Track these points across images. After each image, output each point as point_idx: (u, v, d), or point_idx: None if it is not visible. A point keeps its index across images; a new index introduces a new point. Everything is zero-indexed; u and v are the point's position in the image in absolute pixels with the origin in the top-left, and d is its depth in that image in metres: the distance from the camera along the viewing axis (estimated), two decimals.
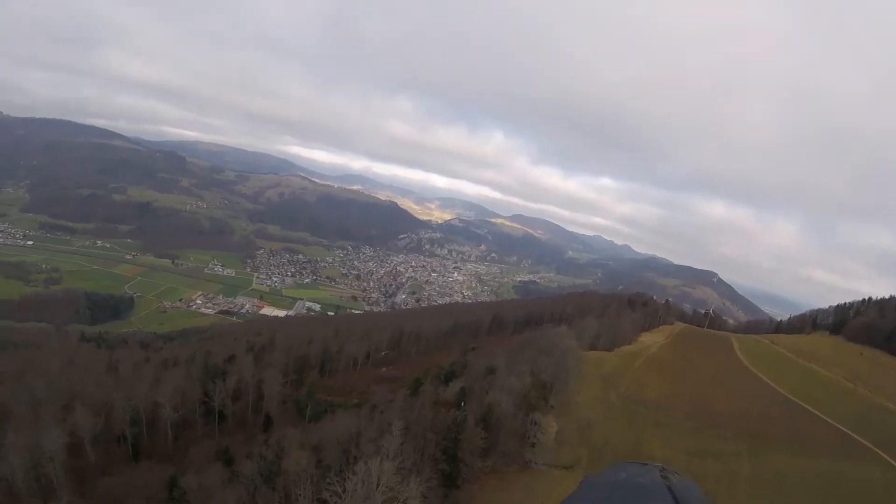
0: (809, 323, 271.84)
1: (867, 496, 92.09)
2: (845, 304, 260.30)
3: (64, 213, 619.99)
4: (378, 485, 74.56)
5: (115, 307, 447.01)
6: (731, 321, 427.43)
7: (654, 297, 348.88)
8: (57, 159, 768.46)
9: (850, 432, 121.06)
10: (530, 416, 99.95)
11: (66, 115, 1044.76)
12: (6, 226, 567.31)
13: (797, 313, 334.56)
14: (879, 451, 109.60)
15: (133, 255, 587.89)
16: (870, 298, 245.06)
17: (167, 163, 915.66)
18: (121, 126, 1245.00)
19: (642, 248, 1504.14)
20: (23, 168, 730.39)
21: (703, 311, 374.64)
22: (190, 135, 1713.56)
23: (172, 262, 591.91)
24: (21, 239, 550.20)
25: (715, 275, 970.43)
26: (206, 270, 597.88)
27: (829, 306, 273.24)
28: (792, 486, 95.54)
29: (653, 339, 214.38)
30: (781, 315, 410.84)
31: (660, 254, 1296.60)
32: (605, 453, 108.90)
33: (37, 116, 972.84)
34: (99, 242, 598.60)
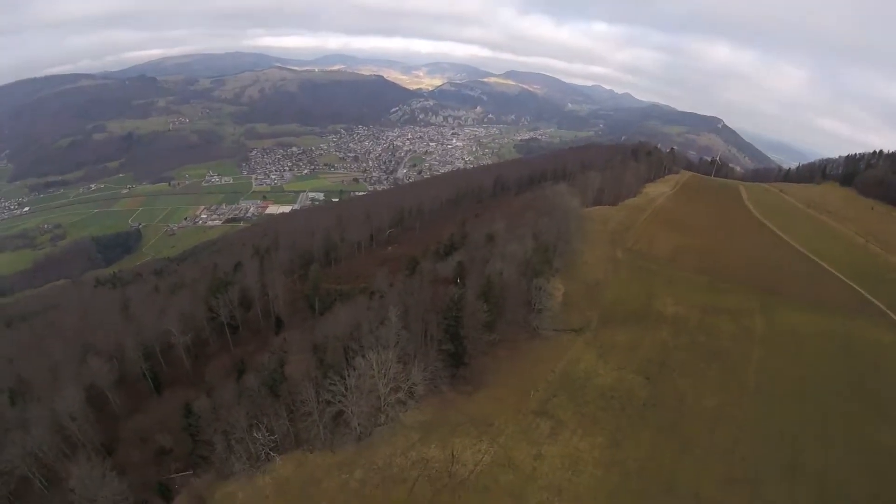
0: (819, 173, 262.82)
1: (879, 358, 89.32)
2: (856, 155, 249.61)
3: (51, 170, 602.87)
4: (379, 377, 70.87)
5: (125, 243, 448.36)
6: (738, 169, 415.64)
7: (659, 146, 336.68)
8: (29, 120, 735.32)
9: (863, 291, 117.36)
10: (534, 281, 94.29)
11: (25, 74, 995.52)
12: None
13: (804, 162, 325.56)
14: (892, 314, 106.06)
15: (129, 189, 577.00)
16: (881, 151, 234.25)
17: (139, 88, 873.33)
18: (84, 66, 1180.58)
19: (644, 96, 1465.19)
20: None
21: (709, 159, 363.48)
22: (155, 53, 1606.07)
23: (169, 185, 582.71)
24: (17, 207, 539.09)
25: (720, 121, 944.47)
26: (203, 184, 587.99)
27: (839, 156, 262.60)
28: (805, 344, 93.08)
29: (659, 190, 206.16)
30: (788, 163, 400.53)
31: (662, 101, 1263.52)
32: (615, 312, 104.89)
33: None
34: (93, 186, 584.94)
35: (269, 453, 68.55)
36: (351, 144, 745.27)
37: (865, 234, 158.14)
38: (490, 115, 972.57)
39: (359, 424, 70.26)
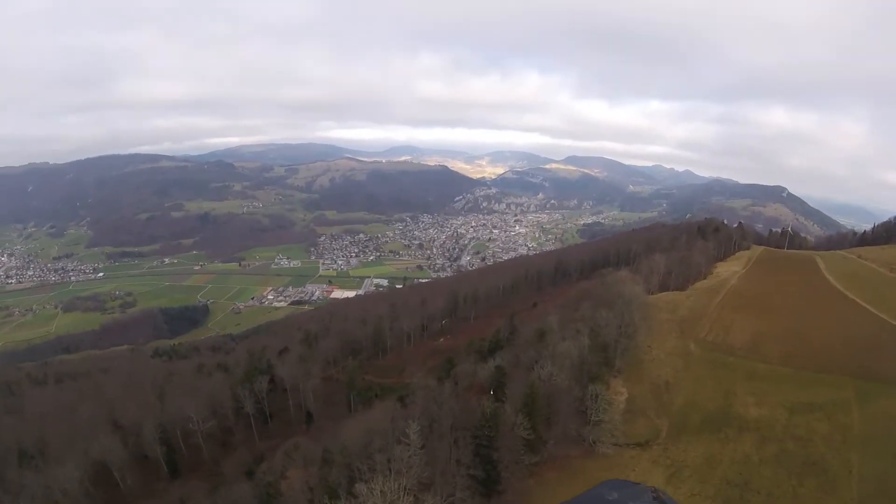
0: None
1: None
2: None
3: (128, 241, 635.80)
4: None
5: (192, 317, 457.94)
6: (809, 238, 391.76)
7: (725, 222, 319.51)
8: (111, 192, 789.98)
9: None
10: (590, 388, 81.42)
11: (111, 150, 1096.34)
12: (75, 263, 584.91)
13: (877, 222, 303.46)
14: None
15: (201, 265, 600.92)
16: None
17: (217, 172, 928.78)
18: (166, 148, 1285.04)
19: (705, 171, 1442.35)
20: (80, 207, 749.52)
21: (779, 231, 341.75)
22: (233, 140, 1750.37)
23: (239, 265, 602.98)
24: (91, 273, 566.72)
25: (784, 189, 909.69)
26: (272, 266, 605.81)
27: None
28: None
29: (730, 269, 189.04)
30: (860, 225, 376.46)
31: (724, 175, 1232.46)
32: (688, 420, 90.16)
33: (83, 158, 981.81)
34: (167, 260, 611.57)
35: None
36: (416, 232, 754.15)
37: None
38: (552, 201, 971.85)
39: None
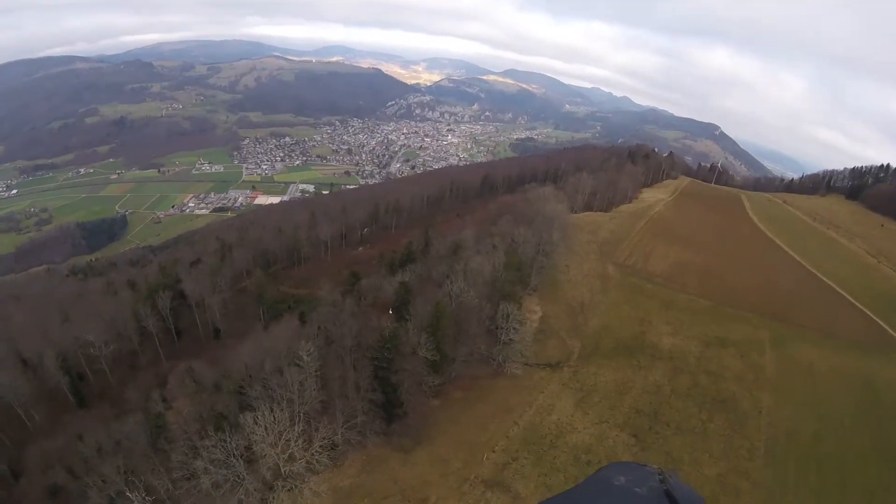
0: (823, 184, 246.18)
1: None
2: (862, 168, 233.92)
3: (41, 153, 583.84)
4: (268, 439, 53.82)
5: (110, 230, 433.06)
6: (736, 178, 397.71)
7: (656, 150, 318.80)
8: (22, 102, 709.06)
9: (879, 321, 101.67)
10: (501, 306, 75.83)
11: (22, 55, 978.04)
12: None
13: (802, 174, 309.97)
14: None
15: (118, 174, 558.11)
16: (889, 165, 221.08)
17: (134, 72, 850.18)
18: (80, 49, 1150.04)
19: (642, 100, 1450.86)
20: None
21: (708, 166, 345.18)
22: (152, 38, 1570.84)
23: (159, 171, 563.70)
24: (4, 190, 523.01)
25: (717, 128, 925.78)
26: (193, 172, 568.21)
27: (845, 168, 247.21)
28: (820, 389, 77.08)
29: (656, 196, 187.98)
30: (786, 174, 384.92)
31: (661, 106, 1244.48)
32: (602, 343, 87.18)
33: None
34: (82, 171, 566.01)
35: None
36: (345, 137, 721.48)
37: (877, 254, 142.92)
38: (487, 113, 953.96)
39: (245, 496, 54.92)
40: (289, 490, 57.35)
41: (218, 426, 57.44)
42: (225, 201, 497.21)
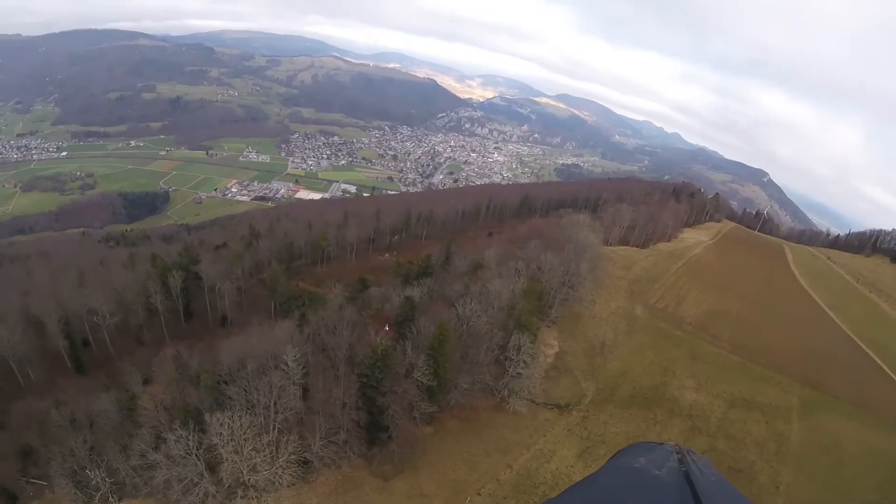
0: (869, 244, 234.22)
1: None
2: None
3: (95, 120, 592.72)
4: (228, 445, 49.40)
5: (151, 203, 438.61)
6: (781, 228, 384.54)
7: (702, 190, 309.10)
8: (83, 69, 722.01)
9: None
10: (514, 337, 70.00)
11: (87, 24, 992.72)
12: (39, 142, 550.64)
13: (848, 230, 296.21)
14: None
15: (167, 151, 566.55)
16: None
17: (195, 55, 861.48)
18: (145, 26, 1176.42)
19: (693, 138, 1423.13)
20: (50, 83, 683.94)
21: (753, 212, 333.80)
22: (216, 24, 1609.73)
23: (206, 154, 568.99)
24: (55, 151, 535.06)
25: (766, 175, 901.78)
26: (240, 158, 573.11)
27: (893, 229, 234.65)
28: (846, 466, 68.90)
29: (697, 238, 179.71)
30: (830, 228, 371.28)
31: (711, 146, 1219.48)
32: (618, 389, 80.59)
33: (56, 31, 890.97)
34: (132, 143, 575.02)
35: (107, 497, 56.28)
36: (393, 143, 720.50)
37: None
38: (536, 135, 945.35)
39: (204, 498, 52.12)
40: (247, 500, 53.15)
41: (184, 421, 53.44)
42: (267, 191, 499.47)
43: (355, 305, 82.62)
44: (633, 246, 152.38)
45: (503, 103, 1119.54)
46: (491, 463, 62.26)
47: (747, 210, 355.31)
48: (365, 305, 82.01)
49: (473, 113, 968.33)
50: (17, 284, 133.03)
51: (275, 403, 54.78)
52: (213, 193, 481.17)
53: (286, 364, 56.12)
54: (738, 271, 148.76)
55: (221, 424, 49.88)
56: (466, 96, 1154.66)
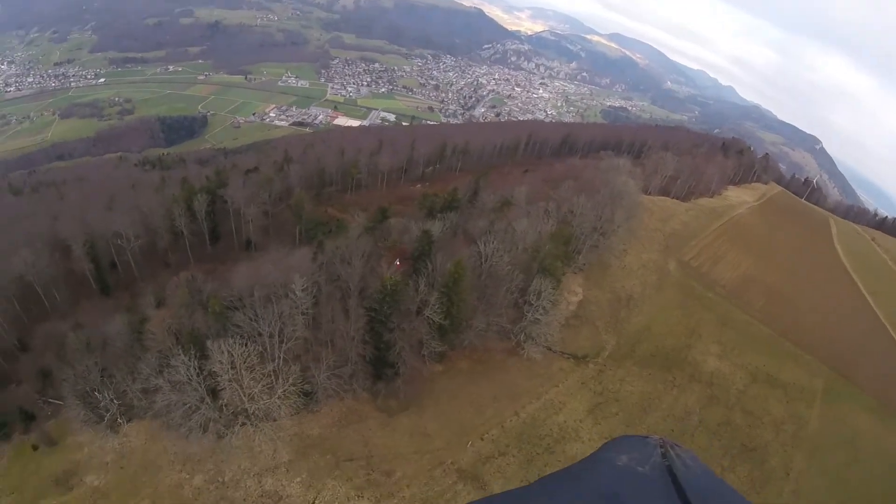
0: None
1: None
2: None
3: (133, 46, 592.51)
4: (229, 371, 48.33)
5: (189, 127, 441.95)
6: (829, 200, 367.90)
7: (752, 148, 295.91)
8: None
9: None
10: (535, 281, 66.21)
11: None
12: (77, 69, 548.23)
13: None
14: None
15: (205, 76, 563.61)
16: None
17: None
18: None
19: (747, 94, 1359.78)
20: (86, 12, 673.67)
21: (802, 179, 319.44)
22: None
23: (245, 78, 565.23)
24: (93, 79, 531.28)
25: (819, 142, 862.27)
26: (279, 83, 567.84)
27: None
28: (860, 463, 65.35)
29: (741, 198, 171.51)
30: (878, 208, 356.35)
31: (765, 104, 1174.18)
32: (639, 346, 77.07)
33: None
34: (171, 68, 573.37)
35: (116, 417, 58.83)
36: (435, 72, 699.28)
37: None
38: (584, 74, 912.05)
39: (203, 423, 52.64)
40: (244, 427, 52.50)
41: (187, 347, 52.63)
42: (305, 117, 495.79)
43: (373, 236, 79.25)
44: (673, 198, 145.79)
45: (552, 38, 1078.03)
46: (498, 408, 59.96)
47: (796, 176, 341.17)
48: (383, 237, 78.26)
49: (520, 46, 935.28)
50: (49, 209, 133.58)
51: (280, 332, 53.27)
52: (252, 118, 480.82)
53: (294, 293, 53.67)
54: (780, 239, 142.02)
55: (221, 352, 48.75)
56: (514, 28, 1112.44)
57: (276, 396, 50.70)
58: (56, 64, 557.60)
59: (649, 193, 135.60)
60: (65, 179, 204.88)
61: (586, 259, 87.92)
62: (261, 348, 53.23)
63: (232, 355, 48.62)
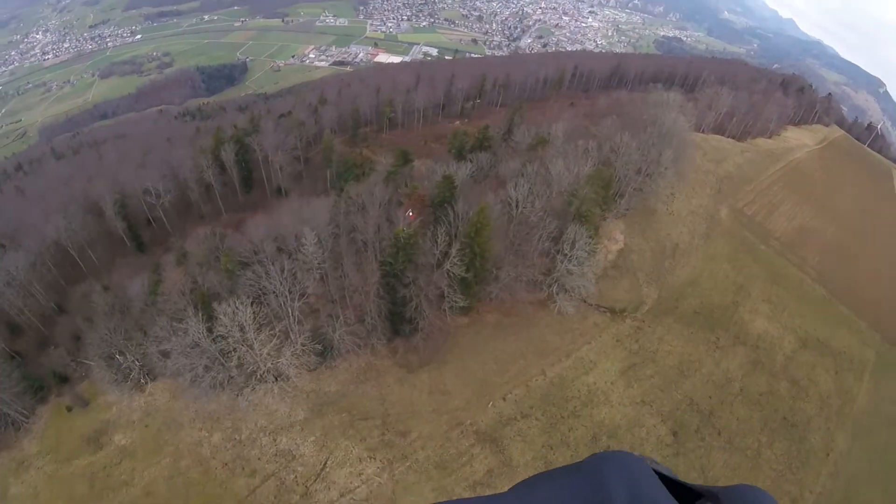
0: None
1: None
2: None
3: (166, 0, 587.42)
4: (237, 329, 47.02)
5: (230, 75, 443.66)
6: (893, 149, 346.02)
7: (813, 87, 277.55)
8: None
9: None
10: (570, 228, 60.07)
11: None
12: (112, 29, 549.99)
13: None
14: None
15: (242, 21, 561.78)
16: None
17: None
18: None
19: (809, 28, 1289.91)
20: None
21: (866, 123, 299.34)
22: None
23: (283, 21, 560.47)
24: (129, 36, 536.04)
25: (883, 85, 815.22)
26: (317, 23, 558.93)
27: None
28: None
29: (801, 140, 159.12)
30: None
31: (828, 40, 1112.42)
32: (683, 301, 71.53)
33: None
34: (206, 17, 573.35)
35: (139, 377, 60.57)
36: (478, 3, 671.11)
37: None
38: (636, 1, 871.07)
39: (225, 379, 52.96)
40: (261, 385, 52.62)
41: (196, 308, 52.67)
42: (345, 56, 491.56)
43: (394, 182, 73.57)
44: (728, 136, 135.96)
45: None
46: (524, 366, 55.81)
47: (858, 119, 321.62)
48: (404, 182, 72.03)
49: None
50: (85, 171, 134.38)
51: (289, 291, 50.82)
52: (291, 61, 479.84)
53: (304, 246, 50.40)
54: (841, 188, 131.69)
55: (225, 314, 47.94)
56: None
57: (289, 356, 48.94)
58: (91, 27, 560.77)
59: (702, 131, 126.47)
60: (105, 138, 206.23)
61: (629, 204, 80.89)
62: (273, 306, 51.08)
63: (238, 316, 47.27)
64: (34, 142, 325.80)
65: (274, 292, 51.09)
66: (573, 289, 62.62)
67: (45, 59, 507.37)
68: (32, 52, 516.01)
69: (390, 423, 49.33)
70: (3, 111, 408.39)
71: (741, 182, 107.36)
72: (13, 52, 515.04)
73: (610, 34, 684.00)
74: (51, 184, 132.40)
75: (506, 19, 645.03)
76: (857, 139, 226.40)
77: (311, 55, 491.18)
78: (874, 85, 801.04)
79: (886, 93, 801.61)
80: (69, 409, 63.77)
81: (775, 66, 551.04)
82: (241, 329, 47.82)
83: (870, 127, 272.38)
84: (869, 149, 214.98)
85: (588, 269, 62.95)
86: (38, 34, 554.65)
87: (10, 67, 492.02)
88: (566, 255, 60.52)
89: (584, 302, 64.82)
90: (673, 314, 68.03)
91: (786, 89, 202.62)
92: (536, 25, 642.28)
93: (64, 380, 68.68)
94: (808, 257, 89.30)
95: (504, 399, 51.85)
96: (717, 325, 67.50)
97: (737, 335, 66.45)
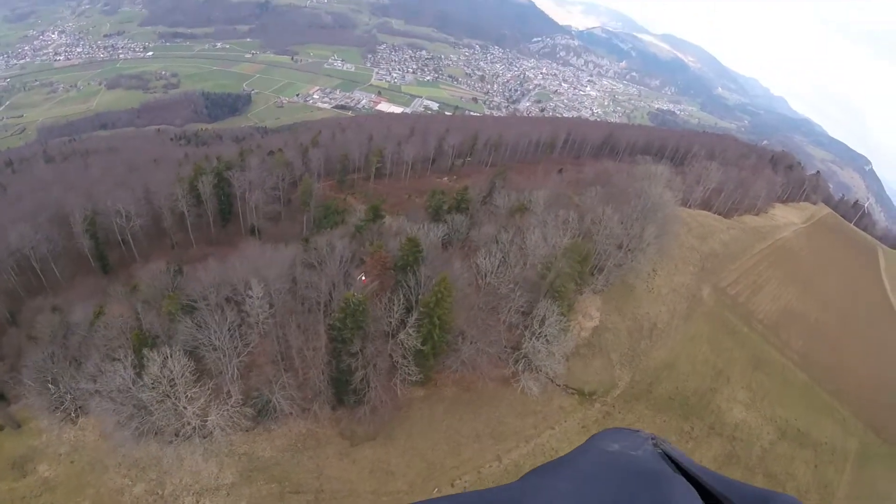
0: None
1: None
2: None
3: (182, 21, 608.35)
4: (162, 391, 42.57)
5: (233, 104, 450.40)
6: (878, 226, 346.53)
7: (801, 164, 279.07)
8: None
9: None
10: (541, 303, 56.75)
11: None
12: (126, 41, 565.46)
13: None
14: None
15: (252, 54, 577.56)
16: None
17: None
18: None
19: (799, 107, 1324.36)
20: None
21: (852, 201, 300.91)
22: None
23: (292, 59, 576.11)
24: (141, 52, 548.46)
25: (869, 163, 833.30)
26: (324, 65, 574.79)
27: None
28: None
29: (788, 218, 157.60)
30: None
31: (816, 118, 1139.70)
32: (657, 386, 67.83)
33: None
34: (218, 44, 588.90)
35: (71, 410, 57.29)
36: (482, 63, 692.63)
37: None
38: (634, 74, 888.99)
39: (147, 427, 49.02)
40: (190, 440, 48.14)
41: (130, 350, 49.54)
42: (348, 100, 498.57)
43: (360, 236, 70.53)
44: (715, 212, 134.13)
45: (603, 35, 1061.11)
46: (479, 449, 51.65)
47: (845, 197, 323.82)
48: (369, 240, 68.61)
49: (570, 41, 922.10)
50: (67, 180, 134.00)
51: (230, 346, 47.40)
52: (295, 98, 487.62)
53: (246, 302, 47.19)
54: (827, 268, 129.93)
55: (155, 363, 44.62)
56: (565, 22, 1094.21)
57: (221, 414, 44.35)
58: (105, 35, 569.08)
59: (689, 206, 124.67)
60: (97, 149, 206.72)
61: (608, 279, 77.66)
62: (209, 359, 47.13)
63: (169, 368, 44.00)
64: (31, 140, 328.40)
65: (213, 346, 47.57)
66: (540, 367, 58.78)
67: (56, 60, 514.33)
68: (45, 51, 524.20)
69: (323, 500, 45.05)
70: (7, 104, 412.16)
71: (726, 260, 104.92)
72: (27, 48, 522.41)
73: (606, 103, 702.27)
74: (31, 187, 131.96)
75: (507, 81, 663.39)
76: (844, 217, 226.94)
77: (315, 95, 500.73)
78: (860, 162, 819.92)
79: (872, 170, 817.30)
80: (0, 429, 61.43)
81: (764, 141, 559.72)
82: (171, 382, 44.52)
83: (856, 205, 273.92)
84: (855, 227, 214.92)
85: (558, 347, 59.19)
86: (53, 34, 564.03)
87: (22, 62, 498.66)
88: (535, 331, 56.90)
89: (552, 382, 60.96)
90: (645, 399, 64.26)
91: (775, 166, 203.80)
92: (536, 90, 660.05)
93: (1, 397, 66.74)
94: (792, 341, 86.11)
95: (452, 485, 47.60)
96: (691, 412, 63.73)
97: (712, 425, 62.64)
